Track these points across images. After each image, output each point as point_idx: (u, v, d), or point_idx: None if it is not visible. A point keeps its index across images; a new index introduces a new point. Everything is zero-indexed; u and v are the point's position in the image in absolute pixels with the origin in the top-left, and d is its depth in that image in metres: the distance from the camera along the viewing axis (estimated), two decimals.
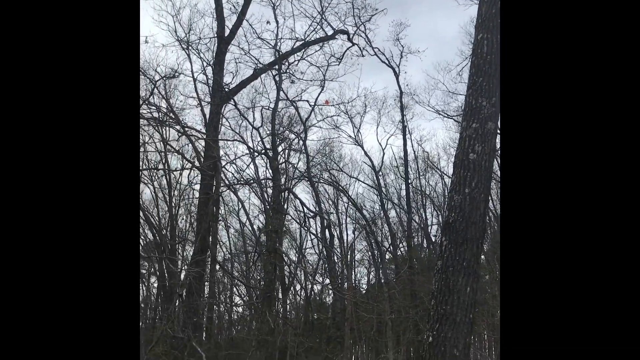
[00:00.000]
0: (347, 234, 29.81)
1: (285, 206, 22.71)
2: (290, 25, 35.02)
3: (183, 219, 24.76)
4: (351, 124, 32.35)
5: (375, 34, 37.14)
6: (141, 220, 21.65)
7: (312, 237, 27.02)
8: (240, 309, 26.35)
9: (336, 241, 27.74)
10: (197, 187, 18.28)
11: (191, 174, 21.92)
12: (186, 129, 15.13)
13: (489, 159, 5.57)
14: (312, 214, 22.32)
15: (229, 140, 19.38)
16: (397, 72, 25.66)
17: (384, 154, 30.75)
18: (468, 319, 5.11)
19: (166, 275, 20.48)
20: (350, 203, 28.44)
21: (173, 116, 15.14)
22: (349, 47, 18.66)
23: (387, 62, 25.05)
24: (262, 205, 22.54)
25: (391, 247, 27.86)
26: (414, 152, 28.82)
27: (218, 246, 23.55)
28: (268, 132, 19.25)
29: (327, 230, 25.87)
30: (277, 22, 17.83)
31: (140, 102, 11.86)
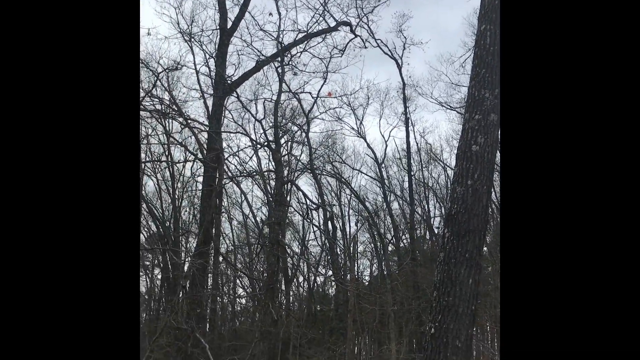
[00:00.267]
0: (349, 226, 29.95)
1: (288, 198, 22.76)
2: (293, 17, 35.14)
3: (186, 211, 24.90)
4: (354, 116, 32.41)
5: (377, 25, 36.92)
6: (145, 213, 21.74)
7: (315, 229, 27.11)
8: (243, 301, 26.52)
9: (339, 233, 27.87)
10: (200, 179, 18.40)
11: (194, 166, 22.02)
12: (189, 121, 15.13)
13: (492, 150, 5.56)
14: (314, 206, 22.36)
15: (232, 133, 19.35)
16: (400, 63, 25.66)
17: (386, 146, 30.70)
18: (470, 311, 5.13)
19: (170, 267, 20.55)
20: (352, 195, 28.50)
21: (176, 108, 15.15)
22: (352, 39, 18.66)
23: (389, 53, 25.06)
24: (265, 197, 22.64)
25: (394, 239, 27.88)
26: (417, 144, 28.87)
27: (221, 238, 23.67)
28: (271, 124, 19.24)
29: (329, 222, 25.95)
30: (279, 13, 17.82)
31: (143, 94, 11.86)
